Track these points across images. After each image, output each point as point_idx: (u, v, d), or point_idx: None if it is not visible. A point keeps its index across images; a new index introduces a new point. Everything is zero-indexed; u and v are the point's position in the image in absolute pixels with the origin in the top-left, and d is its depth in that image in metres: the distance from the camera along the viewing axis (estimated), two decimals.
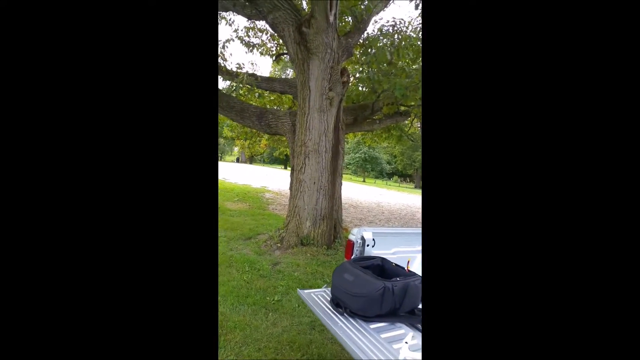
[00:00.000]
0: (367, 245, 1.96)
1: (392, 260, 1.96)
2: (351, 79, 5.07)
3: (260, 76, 5.45)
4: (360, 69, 5.32)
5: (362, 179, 29.09)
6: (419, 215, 9.72)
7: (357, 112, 5.36)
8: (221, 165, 28.76)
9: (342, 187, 4.99)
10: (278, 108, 6.56)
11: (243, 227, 5.28)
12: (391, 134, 8.62)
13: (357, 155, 27.53)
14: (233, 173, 17.90)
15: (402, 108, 6.27)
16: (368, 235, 1.97)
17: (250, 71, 6.08)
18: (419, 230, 2.40)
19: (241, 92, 5.93)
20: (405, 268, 1.79)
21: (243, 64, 6.00)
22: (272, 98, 6.91)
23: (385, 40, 3.84)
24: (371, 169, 30.23)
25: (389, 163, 32.68)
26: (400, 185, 29.78)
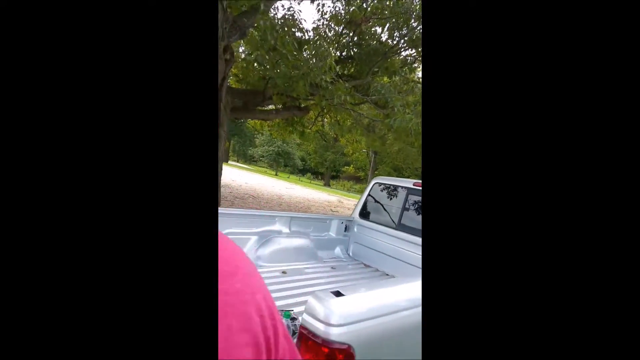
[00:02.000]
0: None
1: None
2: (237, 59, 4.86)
3: None
4: (250, 51, 5.17)
5: (275, 173, 29.02)
6: (314, 207, 10.10)
7: (248, 97, 5.19)
8: None
9: (250, 177, 4.76)
10: None
11: None
12: (295, 128, 8.72)
13: (271, 148, 27.29)
14: None
15: (304, 104, 6.35)
16: None
17: None
18: (267, 213, 2.39)
19: None
20: None
21: None
22: None
23: (266, 23, 3.76)
24: (284, 164, 30.40)
25: (302, 160, 33.38)
26: (312, 182, 30.77)
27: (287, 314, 1.16)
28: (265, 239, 2.24)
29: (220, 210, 2.05)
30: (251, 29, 4.92)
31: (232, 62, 4.29)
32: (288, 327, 1.18)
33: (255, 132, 24.75)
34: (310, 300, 0.91)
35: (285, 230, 2.43)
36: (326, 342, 0.85)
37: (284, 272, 2.07)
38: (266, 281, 1.88)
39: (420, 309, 1.03)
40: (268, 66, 4.30)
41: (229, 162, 30.28)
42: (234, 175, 15.84)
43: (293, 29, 4.33)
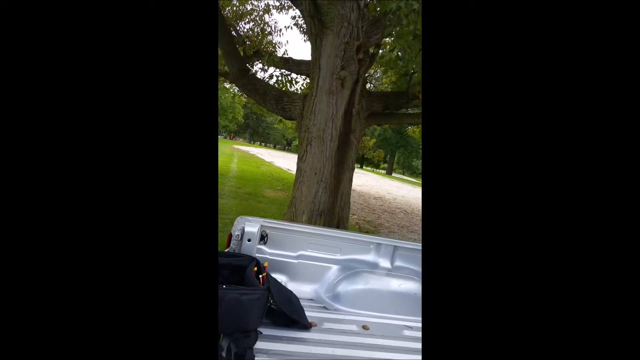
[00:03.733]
0: (249, 241, 1.51)
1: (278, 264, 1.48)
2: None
3: (292, 59, 5.22)
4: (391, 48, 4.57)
5: None
6: None
7: (389, 100, 4.63)
8: (288, 155, 29.91)
9: (410, 190, 4.39)
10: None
11: (258, 213, 5.18)
12: None
13: None
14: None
15: None
16: (252, 228, 1.52)
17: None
18: (363, 237, 1.79)
19: (278, 76, 5.80)
20: (262, 277, 1.29)
21: (273, 45, 5.82)
22: None
23: (400, 4, 3.10)
24: None
25: None
26: None
27: None
28: (350, 271, 1.65)
29: (282, 224, 1.63)
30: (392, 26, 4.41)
31: (366, 62, 3.90)
32: None
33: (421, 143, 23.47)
34: None
35: (385, 264, 1.74)
36: None
37: (365, 328, 1.41)
38: (336, 337, 1.29)
39: None
40: (408, 57, 3.63)
41: (393, 174, 30.08)
42: (392, 188, 15.40)
43: None
